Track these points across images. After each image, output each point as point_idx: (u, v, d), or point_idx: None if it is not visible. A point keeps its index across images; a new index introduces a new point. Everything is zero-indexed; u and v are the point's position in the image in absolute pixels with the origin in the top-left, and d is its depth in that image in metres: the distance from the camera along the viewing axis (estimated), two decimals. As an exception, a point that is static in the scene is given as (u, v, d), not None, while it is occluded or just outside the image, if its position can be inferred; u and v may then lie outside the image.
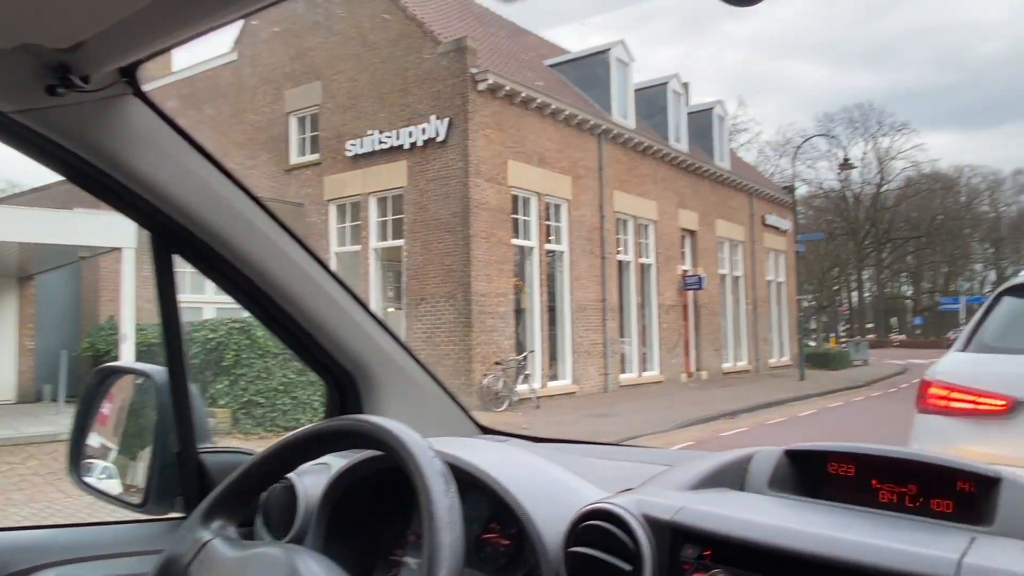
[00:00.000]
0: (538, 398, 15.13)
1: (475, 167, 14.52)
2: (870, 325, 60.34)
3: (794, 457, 1.07)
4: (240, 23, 13.04)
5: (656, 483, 1.07)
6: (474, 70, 14.55)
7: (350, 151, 16.14)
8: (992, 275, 58.07)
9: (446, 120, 14.67)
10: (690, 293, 21.79)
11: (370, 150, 15.77)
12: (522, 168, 15.73)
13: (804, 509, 0.98)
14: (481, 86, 14.62)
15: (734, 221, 24.60)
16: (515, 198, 15.78)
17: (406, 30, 15.38)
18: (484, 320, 14.63)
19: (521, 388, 15.02)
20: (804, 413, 14.75)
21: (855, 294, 62.76)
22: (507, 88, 15.09)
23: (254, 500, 1.14)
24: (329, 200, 16.74)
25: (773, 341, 27.23)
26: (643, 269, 20.07)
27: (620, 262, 19.06)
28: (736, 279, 24.85)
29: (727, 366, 23.78)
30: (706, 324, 22.58)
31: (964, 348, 3.80)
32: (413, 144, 15.10)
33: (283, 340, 1.49)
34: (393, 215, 15.78)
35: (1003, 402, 3.37)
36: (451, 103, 14.68)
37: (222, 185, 1.23)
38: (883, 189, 57.38)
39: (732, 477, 1.08)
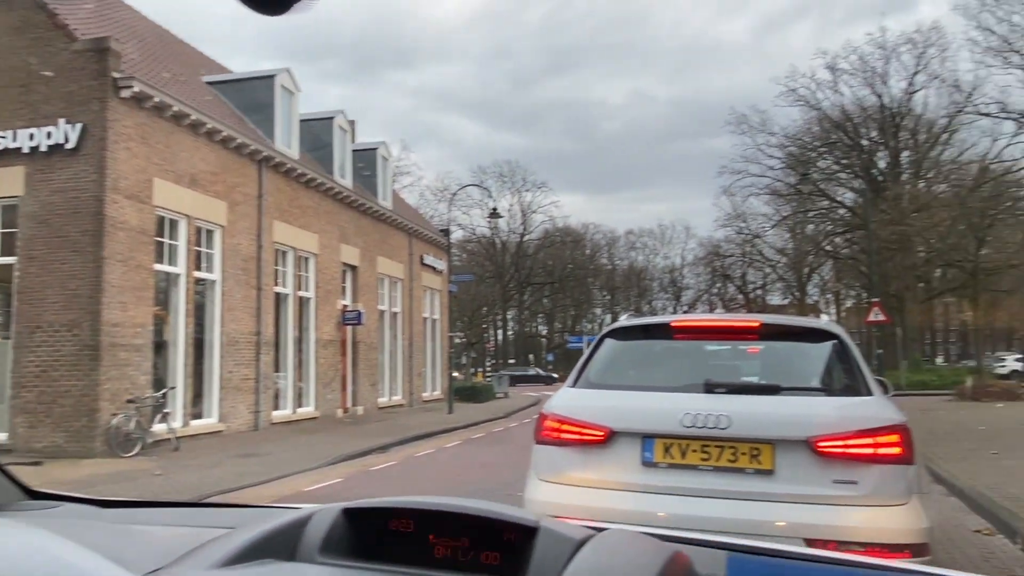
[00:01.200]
0: (178, 439, 13.41)
1: (113, 182, 12.58)
2: (512, 361, 64.71)
3: (353, 515, 0.98)
4: None
5: (192, 558, 0.90)
6: (117, 75, 12.68)
7: (-49, 150, 13.17)
8: (608, 318, 65.52)
9: (79, 126, 12.52)
10: (349, 328, 21.22)
11: (-24, 150, 12.99)
12: (171, 188, 14.03)
13: None
14: (125, 93, 12.77)
15: (394, 259, 24.65)
16: (161, 220, 14.00)
17: (31, 18, 12.97)
18: (116, 353, 12.63)
19: (159, 428, 13.22)
20: (450, 444, 14.90)
21: (500, 332, 67.12)
22: (156, 99, 13.39)
23: None
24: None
25: (427, 376, 27.65)
26: (302, 302, 19.11)
27: (278, 294, 17.91)
28: (395, 315, 24.87)
29: (383, 401, 23.57)
30: (364, 359, 22.17)
31: (574, 384, 4.01)
32: (35, 148, 12.61)
33: None
34: (3, 228, 13.06)
35: (601, 432, 3.60)
36: (87, 108, 12.60)
37: None
38: (525, 238, 62.62)
39: (284, 543, 0.94)
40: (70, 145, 12.54)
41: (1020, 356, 37.35)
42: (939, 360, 45.47)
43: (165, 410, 13.44)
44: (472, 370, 52.76)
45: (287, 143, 18.55)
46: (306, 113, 20.81)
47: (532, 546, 0.84)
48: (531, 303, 66.56)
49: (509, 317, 66.32)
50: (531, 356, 66.44)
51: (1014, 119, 38.01)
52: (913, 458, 3.38)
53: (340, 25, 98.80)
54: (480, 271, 57.02)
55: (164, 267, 14.09)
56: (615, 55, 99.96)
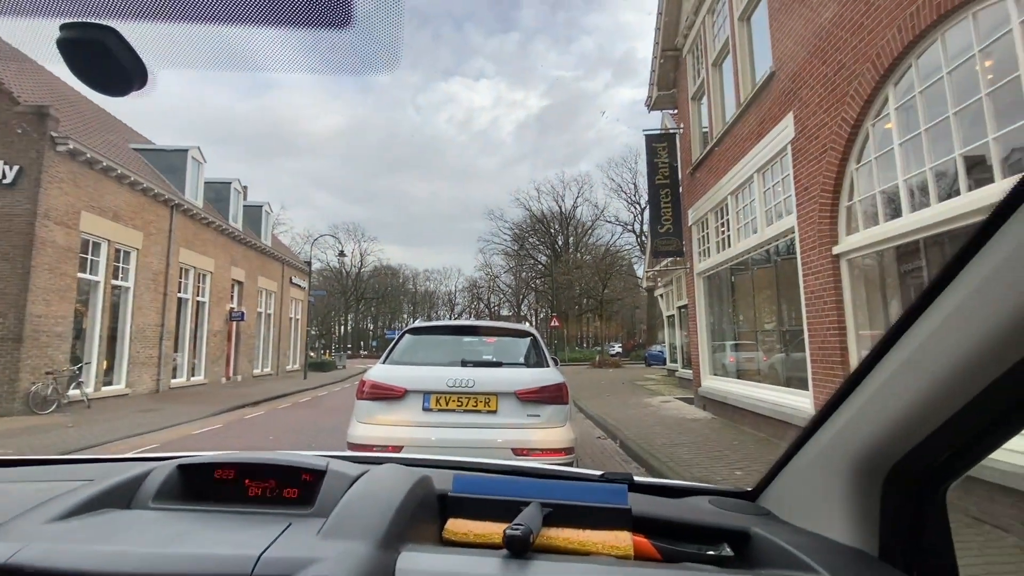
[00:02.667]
0: (90, 400, 11.06)
1: (44, 211, 10.19)
2: (350, 346, 61.27)
3: (185, 469, 0.83)
4: None
5: (37, 512, 0.70)
6: (55, 134, 10.37)
7: None
8: (411, 320, 64.25)
9: (16, 167, 10.05)
10: (235, 323, 18.82)
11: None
12: (96, 219, 11.66)
13: (171, 519, 0.73)
14: (61, 148, 10.46)
15: (271, 278, 22.34)
16: (86, 241, 11.57)
17: (-21, 83, 10.25)
18: (38, 337, 10.15)
19: (73, 392, 10.80)
20: (303, 400, 13.64)
21: (343, 327, 63.30)
22: (88, 155, 11.11)
23: None
24: None
25: (290, 355, 25.24)
26: (199, 305, 16.65)
27: (180, 299, 15.46)
28: (269, 316, 22.46)
29: (257, 371, 21.11)
30: (244, 344, 19.76)
31: (384, 361, 3.91)
32: (-26, 181, 9.95)
33: None
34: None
35: (400, 391, 3.57)
36: (24, 155, 10.15)
37: None
38: (362, 270, 59.78)
39: (123, 494, 0.78)
40: (7, 181, 10.00)
41: (620, 345, 42.78)
42: (584, 346, 50.07)
43: (80, 379, 11.03)
44: (322, 351, 49.51)
45: (195, 196, 16.21)
46: (212, 177, 18.38)
47: (321, 483, 0.78)
48: (364, 310, 63.44)
49: (349, 318, 62.72)
50: (363, 342, 63.35)
51: (620, 225, 45.01)
52: (567, 400, 3.63)
53: (245, 124, 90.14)
54: (331, 289, 53.56)
55: (86, 276, 11.61)
56: (423, 167, 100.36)
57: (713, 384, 9.17)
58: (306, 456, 0.85)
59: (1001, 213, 0.49)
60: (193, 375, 16.27)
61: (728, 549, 0.77)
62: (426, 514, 0.77)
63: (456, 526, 0.76)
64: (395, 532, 0.66)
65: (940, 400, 0.56)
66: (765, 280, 7.56)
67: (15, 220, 9.96)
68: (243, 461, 0.83)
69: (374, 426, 3.54)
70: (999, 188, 3.35)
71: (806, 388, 5.80)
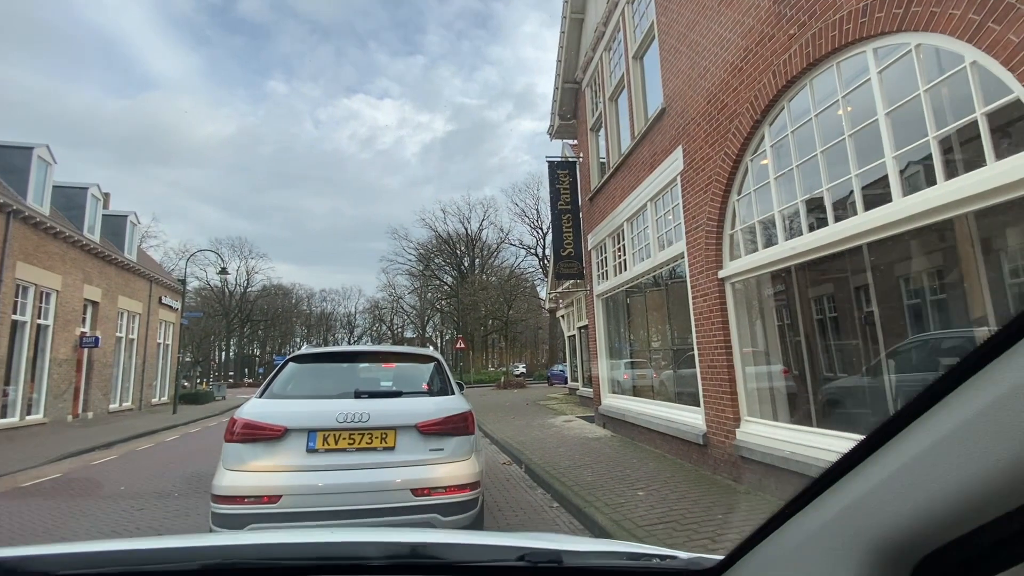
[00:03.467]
0: None
1: None
2: (232, 374, 55.67)
3: None
4: None
5: None
6: None
7: None
8: (305, 344, 60.29)
9: None
10: (86, 350, 16.18)
11: None
12: None
13: None
14: None
15: (135, 298, 19.65)
16: None
17: None
18: None
19: None
20: (170, 438, 12.02)
21: (224, 353, 57.45)
22: None
23: None
24: None
25: (156, 386, 22.22)
26: (40, 329, 14.11)
27: (15, 321, 12.99)
28: (132, 340, 19.67)
29: (114, 407, 18.28)
30: (98, 374, 17.05)
31: (261, 396, 3.45)
32: None
33: None
34: None
35: (279, 430, 3.14)
36: None
37: None
38: (248, 289, 55.10)
39: None
40: None
41: (524, 365, 43.18)
42: (490, 367, 50.04)
43: None
44: (199, 380, 44.48)
45: (39, 201, 13.87)
46: (63, 181, 15.92)
47: None
48: (250, 333, 58.12)
49: (232, 343, 57.08)
50: (247, 369, 57.88)
51: (524, 248, 46.58)
52: (473, 430, 3.43)
53: (113, 126, 79.94)
54: (210, 310, 48.51)
55: None
56: (321, 183, 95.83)
57: (612, 402, 9.48)
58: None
59: None
60: (30, 413, 13.65)
61: None
62: None
63: None
64: None
65: (1017, 480, 0.40)
66: (657, 301, 8.01)
67: None
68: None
69: (246, 473, 3.05)
70: (860, 220, 3.80)
71: (698, 404, 6.15)
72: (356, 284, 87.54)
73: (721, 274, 5.74)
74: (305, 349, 3.87)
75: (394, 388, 3.64)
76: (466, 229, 49.51)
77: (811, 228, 4.42)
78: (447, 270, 50.15)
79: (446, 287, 49.33)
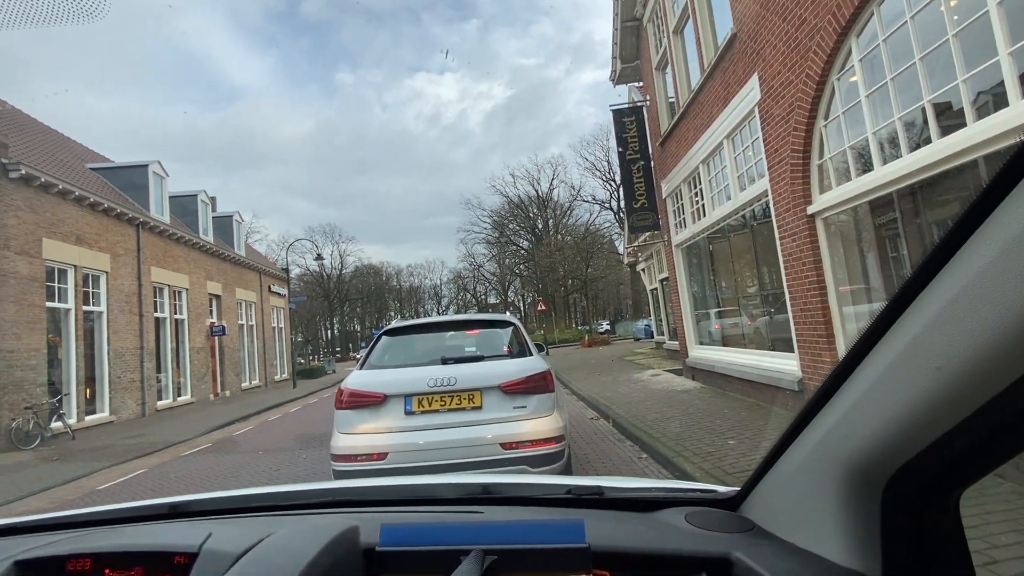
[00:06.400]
0: (73, 431, 10.73)
1: (3, 242, 9.76)
2: (338, 349, 60.63)
3: (24, 566, 0.66)
4: None
5: None
6: (4, 160, 9.88)
7: None
8: (398, 317, 63.85)
9: (-34, 199, 9.60)
10: (216, 338, 18.40)
11: None
12: (59, 245, 11.21)
13: None
14: (13, 174, 9.99)
15: (249, 289, 21.87)
16: (51, 269, 11.11)
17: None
18: (12, 372, 9.77)
19: (55, 425, 10.46)
20: (294, 409, 13.50)
21: (329, 331, 62.57)
22: (42, 180, 10.63)
23: None
24: None
25: (277, 364, 24.86)
26: (177, 323, 16.23)
27: (157, 318, 15.03)
28: (251, 327, 22.03)
29: (245, 385, 20.76)
30: (229, 357, 19.38)
31: (362, 367, 3.77)
32: (-79, 217, 9.46)
33: None
34: None
35: (379, 397, 3.44)
36: (-26, 185, 9.68)
37: None
38: (343, 271, 59.07)
39: None
40: (-42, 214, 9.53)
41: (609, 322, 42.68)
42: (573, 327, 50.26)
43: (61, 411, 10.68)
44: (311, 356, 48.94)
45: (160, 212, 15.69)
46: (177, 191, 17.83)
47: (193, 566, 0.64)
48: (349, 311, 62.66)
49: (335, 321, 61.95)
50: (351, 344, 62.74)
51: (598, 204, 45.12)
52: (553, 388, 3.55)
53: (211, 139, 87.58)
54: (313, 293, 52.73)
55: (55, 304, 11.19)
56: (394, 165, 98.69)
57: (700, 353, 9.22)
58: (175, 537, 0.71)
59: None
60: (179, 395, 15.91)
61: None
62: None
63: None
64: None
65: (958, 394, 0.44)
66: (742, 245, 7.57)
67: (-29, 254, 9.52)
68: (99, 551, 0.69)
69: (356, 436, 3.41)
70: (970, 133, 3.33)
71: (791, 351, 5.83)
72: (438, 257, 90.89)
73: (810, 209, 5.30)
74: (394, 323, 4.17)
75: (477, 353, 3.84)
76: (536, 191, 49.10)
77: (915, 147, 3.94)
78: (522, 234, 50.34)
79: (522, 251, 49.63)
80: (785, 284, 5.81)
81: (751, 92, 6.19)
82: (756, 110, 6.13)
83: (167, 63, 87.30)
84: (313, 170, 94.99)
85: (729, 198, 7.40)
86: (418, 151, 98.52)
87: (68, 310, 11.53)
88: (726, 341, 8.48)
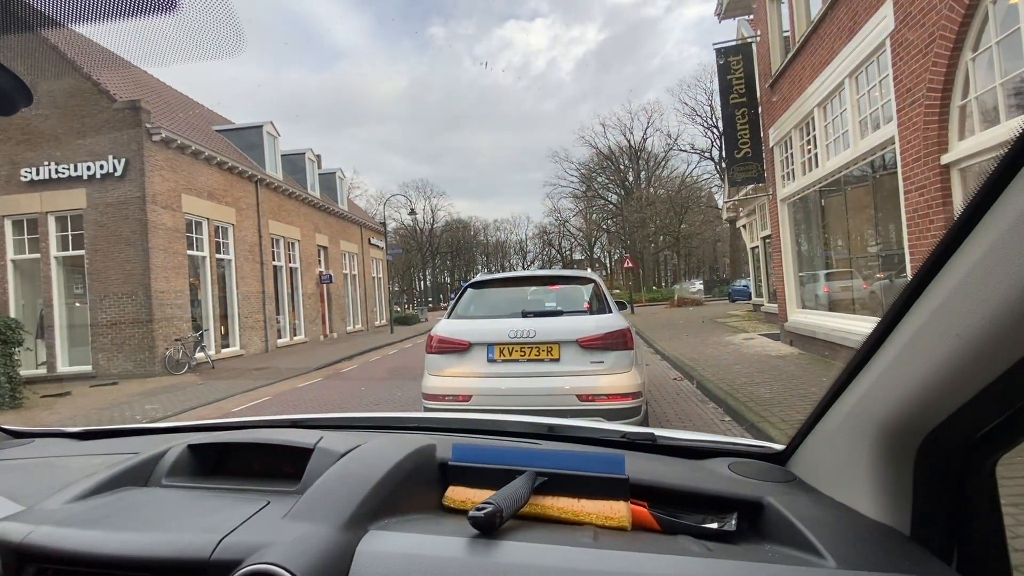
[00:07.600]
0: (213, 361, 12.51)
1: (152, 197, 11.27)
2: (430, 299, 63.90)
3: (196, 449, 0.84)
4: None
5: (66, 491, 0.74)
6: (148, 125, 11.27)
7: (25, 177, 11.35)
8: (486, 270, 65.54)
9: (123, 160, 11.12)
10: (324, 285, 20.17)
11: (46, 178, 11.25)
12: (194, 200, 12.73)
13: (175, 497, 0.74)
14: (155, 138, 11.38)
15: (351, 241, 23.52)
16: (189, 221, 12.71)
17: (80, 86, 11.25)
18: (164, 310, 11.51)
19: (199, 355, 12.25)
20: (391, 352, 14.61)
21: (422, 282, 65.94)
22: (178, 142, 12.01)
23: None
24: (3, 216, 11.55)
25: (376, 311, 26.84)
26: (292, 271, 17.97)
27: (275, 267, 16.75)
28: (354, 276, 23.84)
29: (350, 328, 22.72)
30: (336, 304, 21.22)
31: (448, 316, 3.95)
32: (92, 175, 11.14)
33: None
34: (73, 231, 11.47)
35: (465, 344, 3.65)
36: (128, 148, 11.16)
37: None
38: (434, 226, 61.23)
39: (142, 473, 0.80)
40: (117, 174, 11.11)
41: (702, 282, 40.54)
42: (662, 285, 48.46)
43: (202, 344, 12.46)
44: (406, 305, 52.09)
45: (274, 169, 17.17)
46: (287, 149, 19.28)
47: (308, 461, 0.78)
48: (440, 264, 65.44)
49: (427, 273, 65.10)
50: (441, 295, 65.84)
51: (697, 153, 41.72)
52: (631, 345, 3.55)
53: (316, 98, 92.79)
54: (407, 246, 55.49)
55: (194, 252, 12.85)
56: (483, 120, 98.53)
57: (800, 318, 8.59)
58: (303, 437, 0.84)
59: None
60: (295, 335, 17.82)
61: (733, 523, 0.70)
62: (425, 483, 0.77)
63: (455, 494, 0.76)
64: (366, 511, 0.65)
65: (977, 361, 0.46)
66: (860, 200, 6.80)
67: (131, 208, 11.12)
68: (247, 441, 0.85)
69: (444, 378, 3.67)
70: None
71: (911, 315, 5.25)
72: (524, 212, 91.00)
73: (945, 159, 4.62)
74: (479, 276, 4.35)
75: (556, 308, 3.92)
76: (629, 141, 46.53)
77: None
78: (611, 188, 48.43)
79: (611, 206, 47.95)
80: (906, 243, 5.19)
81: (883, 20, 5.38)
82: (887, 42, 5.34)
83: (278, 29, 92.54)
84: (407, 127, 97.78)
85: (848, 146, 6.63)
86: (507, 104, 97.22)
87: (204, 257, 13.20)
88: (833, 305, 7.81)
